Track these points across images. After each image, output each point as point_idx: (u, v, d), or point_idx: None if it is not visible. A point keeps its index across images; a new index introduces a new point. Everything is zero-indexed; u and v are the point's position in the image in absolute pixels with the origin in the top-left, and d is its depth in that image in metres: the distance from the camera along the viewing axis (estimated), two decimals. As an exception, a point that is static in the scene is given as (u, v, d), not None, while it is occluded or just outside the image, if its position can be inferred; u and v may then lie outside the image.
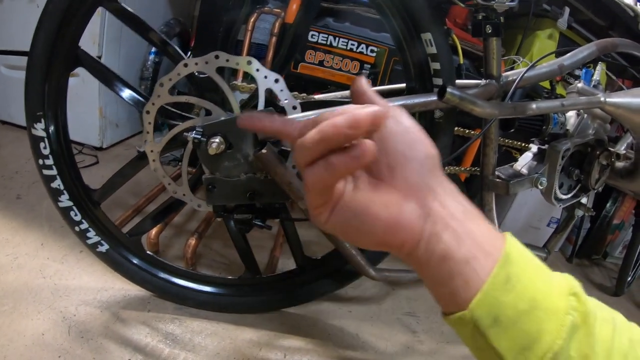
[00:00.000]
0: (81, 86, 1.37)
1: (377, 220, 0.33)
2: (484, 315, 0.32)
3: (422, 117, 0.76)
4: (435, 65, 0.72)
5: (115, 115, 1.55)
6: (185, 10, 1.81)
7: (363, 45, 1.17)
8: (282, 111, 0.61)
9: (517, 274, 0.33)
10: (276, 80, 0.60)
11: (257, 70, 0.60)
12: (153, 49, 1.38)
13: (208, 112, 0.65)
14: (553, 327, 0.32)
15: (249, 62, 0.60)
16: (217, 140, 0.59)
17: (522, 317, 0.32)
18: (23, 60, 1.43)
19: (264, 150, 0.59)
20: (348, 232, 0.35)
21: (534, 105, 0.78)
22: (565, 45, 1.38)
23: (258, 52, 1.16)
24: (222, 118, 0.61)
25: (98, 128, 1.49)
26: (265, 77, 0.60)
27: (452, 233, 0.33)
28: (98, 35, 1.32)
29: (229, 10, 0.95)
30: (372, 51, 1.18)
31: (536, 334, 0.32)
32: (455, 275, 0.33)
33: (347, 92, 0.81)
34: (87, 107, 1.44)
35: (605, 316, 0.34)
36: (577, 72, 1.08)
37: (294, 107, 0.61)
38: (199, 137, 0.59)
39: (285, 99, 0.61)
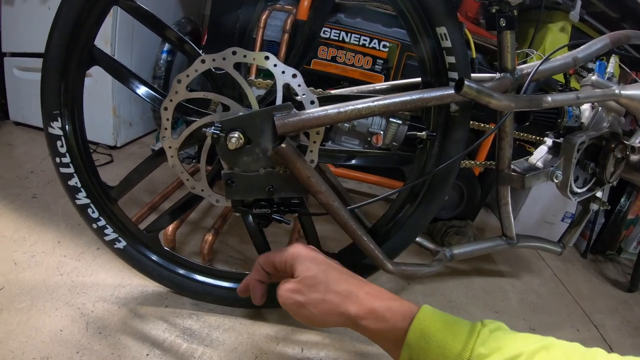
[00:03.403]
0: (95, 86, 1.38)
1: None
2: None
3: (438, 111, 0.76)
4: (451, 59, 0.71)
5: (128, 115, 1.57)
6: (196, 9, 1.83)
7: (375, 41, 1.17)
8: (299, 106, 0.61)
9: (428, 327, 0.48)
10: (294, 76, 0.60)
11: (275, 65, 0.60)
12: (165, 48, 1.39)
13: (225, 108, 0.65)
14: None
15: (267, 58, 0.60)
16: (236, 135, 0.59)
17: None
18: (35, 62, 1.47)
19: (283, 145, 0.59)
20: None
21: (549, 98, 0.78)
22: (577, 38, 1.37)
23: (270, 49, 1.16)
24: (241, 113, 0.61)
25: (112, 127, 1.50)
26: (283, 72, 0.60)
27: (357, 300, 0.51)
28: (110, 35, 1.33)
29: (241, 8, 0.96)
30: (384, 46, 1.18)
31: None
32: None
33: (362, 87, 0.81)
34: (101, 106, 1.45)
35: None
36: (590, 65, 1.07)
37: (312, 102, 0.61)
38: (218, 132, 0.59)
39: (303, 94, 0.61)
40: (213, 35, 1.15)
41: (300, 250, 0.56)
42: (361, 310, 0.50)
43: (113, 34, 1.34)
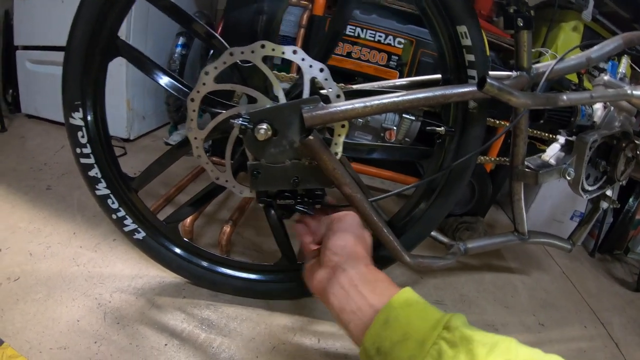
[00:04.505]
0: (108, 79, 1.36)
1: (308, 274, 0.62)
2: (370, 347, 0.46)
3: (457, 107, 0.77)
4: (470, 57, 0.73)
5: (142, 108, 1.58)
6: (209, 3, 1.83)
7: (390, 37, 1.18)
8: (326, 99, 0.62)
9: (396, 316, 0.46)
10: (321, 70, 0.61)
11: (303, 59, 0.61)
12: (179, 42, 1.39)
13: (250, 100, 0.66)
14: (420, 353, 0.42)
15: (294, 52, 0.61)
16: (264, 127, 0.60)
17: (395, 347, 0.44)
18: (48, 55, 1.48)
19: (310, 137, 0.60)
20: None
21: (564, 97, 0.79)
22: (589, 37, 1.38)
23: (285, 44, 1.16)
24: (268, 106, 0.62)
25: (125, 120, 1.51)
26: (311, 66, 0.61)
27: (345, 293, 0.52)
28: (125, 28, 1.34)
29: (257, 3, 0.96)
30: (399, 43, 1.18)
31: (407, 359, 0.43)
32: (349, 322, 0.51)
33: (382, 83, 0.82)
34: (114, 99, 1.46)
35: (485, 341, 0.42)
36: (602, 65, 1.08)
37: (338, 96, 0.62)
38: (247, 124, 0.60)
39: (330, 88, 0.62)
40: (228, 29, 1.16)
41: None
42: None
43: (128, 27, 1.35)
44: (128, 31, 1.35)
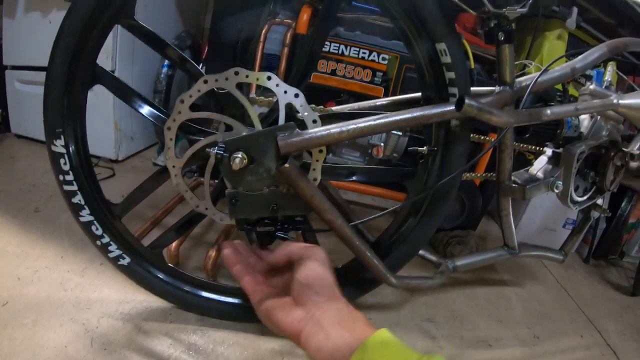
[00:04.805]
0: (96, 100, 1.39)
1: (276, 317, 0.54)
2: None
3: (439, 126, 0.76)
4: (451, 75, 0.72)
5: (130, 128, 1.58)
6: (195, 22, 1.84)
7: (374, 54, 1.18)
8: (302, 125, 0.62)
9: (371, 357, 0.45)
10: (296, 95, 0.61)
11: (277, 85, 0.61)
12: (166, 62, 1.39)
13: (228, 128, 0.66)
14: None
15: (269, 78, 0.60)
16: (239, 155, 0.59)
17: None
18: (36, 75, 1.48)
19: (286, 165, 0.60)
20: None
21: (548, 111, 0.79)
22: (574, 45, 1.38)
23: (270, 62, 1.17)
24: (244, 133, 0.62)
25: (113, 141, 1.51)
26: (285, 92, 0.61)
27: (325, 333, 0.50)
28: (111, 50, 1.34)
29: (241, 22, 0.96)
30: (383, 59, 1.18)
31: None
32: None
33: (362, 103, 0.82)
34: (102, 120, 1.46)
35: None
36: (588, 72, 1.08)
37: (314, 121, 0.62)
38: (222, 152, 0.60)
39: (305, 113, 0.61)
40: (214, 48, 1.16)
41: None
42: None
43: (114, 49, 1.35)
44: (114, 53, 1.35)
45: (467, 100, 0.62)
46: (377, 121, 0.62)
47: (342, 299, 0.55)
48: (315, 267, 0.55)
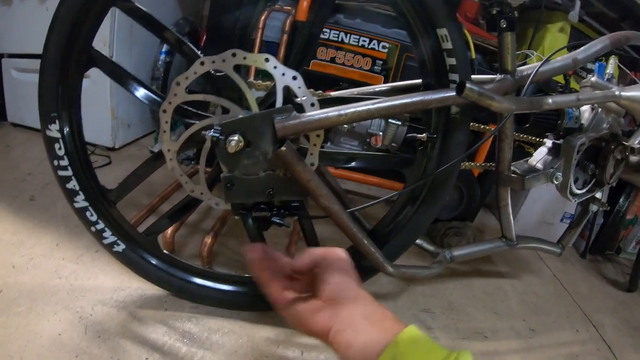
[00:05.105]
0: (93, 87, 1.38)
1: (304, 319, 0.53)
2: None
3: (439, 113, 0.75)
4: (451, 61, 0.71)
5: (127, 116, 1.57)
6: (194, 9, 1.82)
7: (375, 42, 1.17)
8: (299, 108, 0.61)
9: (403, 353, 0.45)
10: (294, 78, 0.60)
11: (275, 67, 0.60)
12: (164, 49, 1.38)
13: (224, 111, 0.65)
14: None
15: (267, 60, 0.59)
16: (235, 138, 0.59)
17: None
18: (32, 63, 1.46)
19: (283, 148, 0.59)
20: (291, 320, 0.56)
21: (550, 100, 0.78)
22: (576, 38, 1.37)
23: (269, 49, 1.15)
24: (240, 116, 0.61)
25: (110, 128, 1.50)
26: (283, 74, 0.60)
27: (353, 330, 0.49)
28: (109, 36, 1.32)
29: (240, 9, 0.95)
30: (383, 47, 1.17)
31: None
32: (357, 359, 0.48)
33: (362, 89, 0.81)
34: (99, 108, 1.45)
35: None
36: (589, 65, 1.07)
37: (312, 104, 0.61)
38: (218, 135, 0.59)
39: (304, 96, 0.61)
40: (212, 35, 1.14)
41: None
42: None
43: (111, 35, 1.33)
44: (112, 39, 1.34)
45: (468, 85, 0.61)
46: (376, 105, 0.61)
47: (368, 295, 0.54)
48: (339, 267, 0.55)
